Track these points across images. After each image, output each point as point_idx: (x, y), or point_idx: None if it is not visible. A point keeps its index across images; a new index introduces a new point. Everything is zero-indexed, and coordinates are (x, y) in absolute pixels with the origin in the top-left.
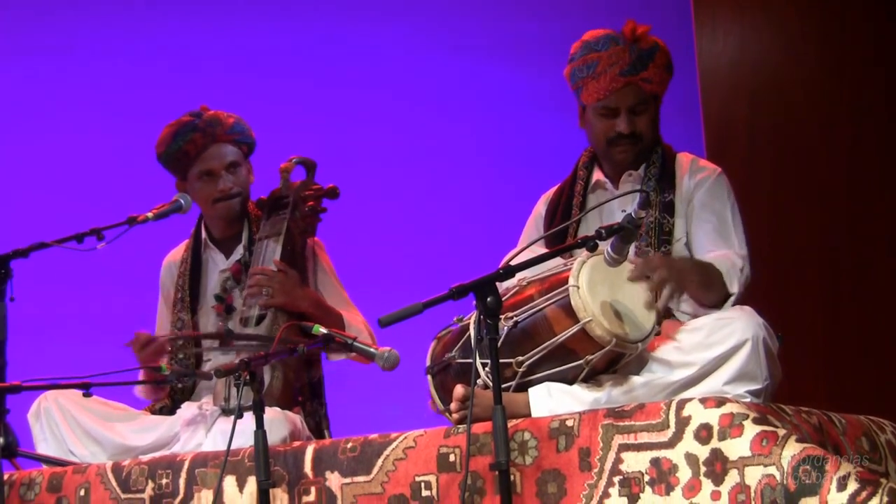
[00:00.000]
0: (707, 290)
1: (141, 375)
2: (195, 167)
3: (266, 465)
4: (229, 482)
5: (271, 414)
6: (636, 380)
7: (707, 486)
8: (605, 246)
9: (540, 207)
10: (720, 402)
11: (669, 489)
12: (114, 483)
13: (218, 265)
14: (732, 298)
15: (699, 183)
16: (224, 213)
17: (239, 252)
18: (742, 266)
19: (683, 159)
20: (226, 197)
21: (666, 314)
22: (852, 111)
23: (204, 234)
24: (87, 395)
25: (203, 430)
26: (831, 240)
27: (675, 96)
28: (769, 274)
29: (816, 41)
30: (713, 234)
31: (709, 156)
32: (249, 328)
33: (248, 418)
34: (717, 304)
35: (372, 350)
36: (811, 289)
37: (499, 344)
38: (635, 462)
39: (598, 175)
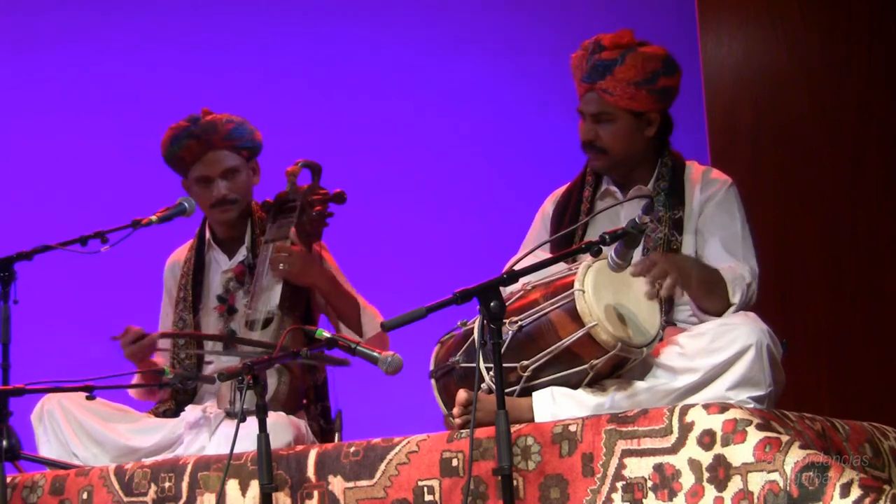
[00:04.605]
0: (708, 291)
1: (136, 378)
2: (193, 171)
3: (269, 468)
4: (232, 486)
5: (275, 419)
6: (640, 385)
7: (710, 492)
8: (609, 251)
9: (547, 206)
10: (723, 407)
11: (672, 495)
12: (116, 486)
13: (221, 266)
14: (732, 309)
15: (710, 197)
16: (220, 218)
17: (242, 253)
18: (749, 280)
19: (694, 171)
20: (221, 203)
21: (668, 322)
22: (857, 116)
23: (208, 235)
24: (90, 397)
25: (206, 433)
26: (836, 245)
27: (679, 101)
28: (773, 279)
29: (821, 46)
30: (722, 249)
31: (713, 161)
32: (256, 331)
33: (252, 422)
34: (717, 312)
35: (375, 354)
36: (815, 294)
37: (503, 348)
38: (638, 468)
39: (607, 184)
